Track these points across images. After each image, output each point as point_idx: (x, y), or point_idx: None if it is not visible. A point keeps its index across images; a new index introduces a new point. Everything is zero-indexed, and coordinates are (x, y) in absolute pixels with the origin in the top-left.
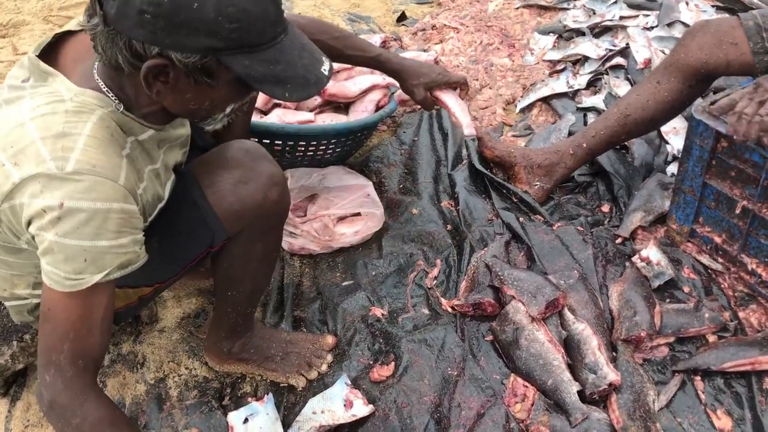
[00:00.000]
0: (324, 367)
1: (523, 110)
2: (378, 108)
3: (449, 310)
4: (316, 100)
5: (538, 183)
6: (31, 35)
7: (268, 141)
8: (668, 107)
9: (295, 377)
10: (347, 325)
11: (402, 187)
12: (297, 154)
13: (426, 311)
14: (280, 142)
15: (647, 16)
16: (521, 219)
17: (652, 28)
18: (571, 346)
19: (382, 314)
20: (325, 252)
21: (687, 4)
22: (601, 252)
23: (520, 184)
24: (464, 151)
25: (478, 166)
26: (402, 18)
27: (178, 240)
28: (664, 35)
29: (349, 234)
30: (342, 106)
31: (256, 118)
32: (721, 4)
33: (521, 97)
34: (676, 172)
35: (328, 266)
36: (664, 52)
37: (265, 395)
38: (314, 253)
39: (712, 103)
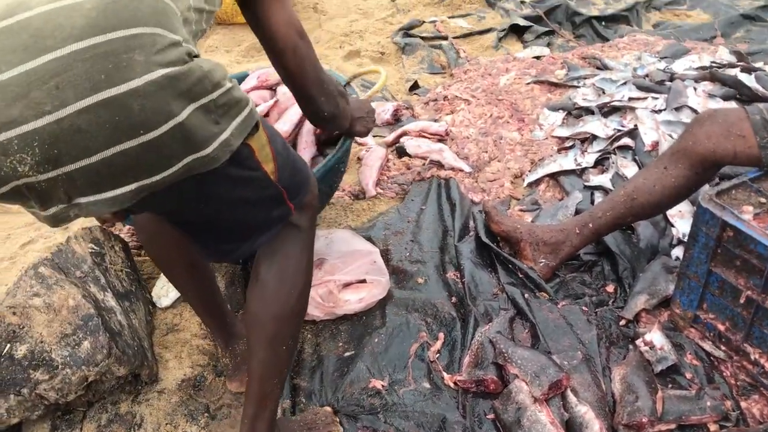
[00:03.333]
0: None
1: (530, 185)
2: (318, 137)
3: (451, 385)
4: None
5: (543, 260)
6: None
7: None
8: (675, 192)
9: None
10: (346, 397)
11: (408, 255)
12: None
13: (427, 385)
14: None
15: (656, 99)
16: (526, 295)
17: (661, 111)
18: (573, 429)
19: (382, 386)
20: (328, 318)
21: (695, 89)
22: (605, 333)
23: (525, 261)
24: (471, 223)
25: (485, 239)
26: (414, 87)
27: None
28: (672, 119)
29: (353, 301)
30: None
31: None
32: (729, 92)
33: (529, 171)
34: (681, 256)
35: (331, 334)
36: (671, 136)
37: None
38: (317, 319)
39: (719, 193)
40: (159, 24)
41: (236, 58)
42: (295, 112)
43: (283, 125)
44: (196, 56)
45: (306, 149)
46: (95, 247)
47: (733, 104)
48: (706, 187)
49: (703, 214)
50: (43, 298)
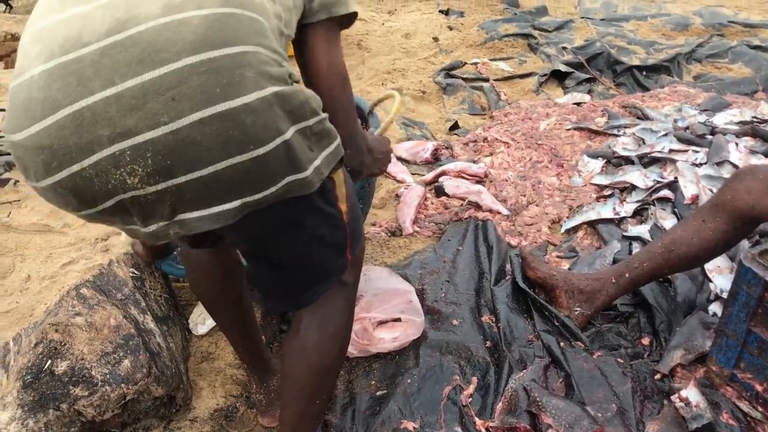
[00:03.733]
0: None
1: (568, 231)
2: None
3: (483, 431)
4: None
5: (578, 308)
6: None
7: None
8: (713, 246)
9: None
10: None
11: (443, 296)
12: None
13: (459, 429)
14: None
15: (697, 152)
16: (562, 344)
17: (701, 164)
18: None
19: (414, 428)
20: (362, 355)
21: (737, 145)
22: (639, 386)
23: (560, 308)
24: (508, 266)
25: (522, 285)
26: (454, 127)
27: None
28: (712, 174)
29: (387, 340)
30: None
31: None
32: None
33: (567, 217)
34: (718, 312)
35: (364, 371)
36: (712, 191)
37: None
38: (351, 355)
39: (762, 252)
40: (260, 44)
41: None
42: None
43: None
44: (296, 81)
45: None
46: (136, 272)
47: None
48: (745, 242)
49: (745, 273)
50: (85, 317)
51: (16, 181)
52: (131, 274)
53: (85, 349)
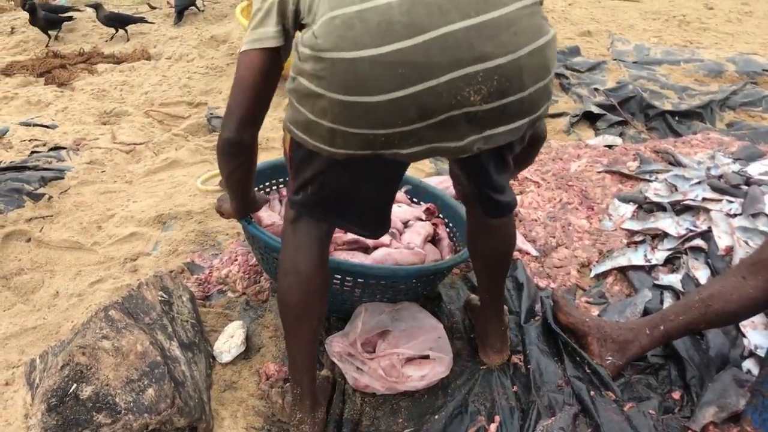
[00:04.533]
0: None
1: (597, 276)
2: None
3: None
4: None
5: (610, 358)
6: (131, 126)
7: (339, 277)
8: (752, 304)
9: None
10: None
11: (471, 335)
12: (358, 290)
13: None
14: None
15: (731, 202)
16: (592, 392)
17: (736, 215)
18: None
19: None
20: (390, 393)
21: None
22: None
23: (592, 356)
24: (537, 306)
25: (554, 327)
26: None
27: None
28: (748, 225)
29: (415, 377)
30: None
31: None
32: None
33: (597, 262)
34: (752, 369)
35: (391, 409)
36: (747, 243)
37: None
38: (378, 392)
39: None
40: None
41: None
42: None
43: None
44: None
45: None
46: (164, 296)
47: None
48: None
49: None
50: (112, 341)
51: (50, 197)
52: (159, 298)
53: (111, 374)
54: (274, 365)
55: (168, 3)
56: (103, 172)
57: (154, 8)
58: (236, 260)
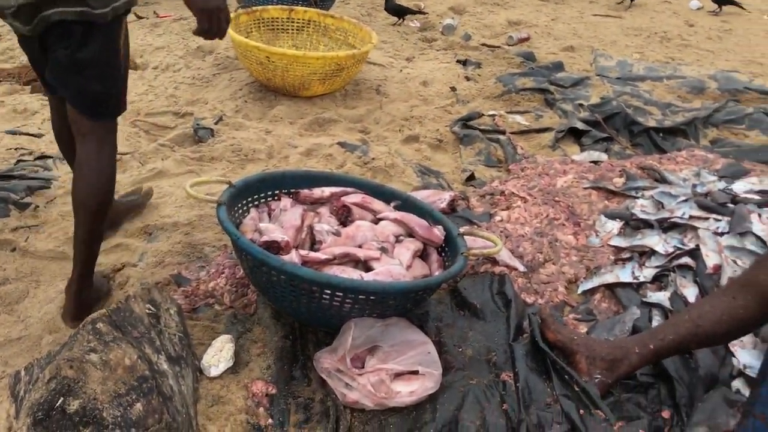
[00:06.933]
0: None
1: (585, 293)
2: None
3: None
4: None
5: (599, 376)
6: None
7: (329, 292)
8: (742, 325)
9: None
10: None
11: (460, 350)
12: (347, 305)
13: None
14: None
15: (718, 220)
16: (581, 411)
17: (723, 233)
18: None
19: None
20: (378, 409)
21: (759, 216)
22: None
23: (580, 374)
24: (525, 323)
25: (542, 345)
26: (471, 178)
27: None
28: (735, 244)
29: (404, 393)
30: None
31: None
32: None
33: (584, 278)
34: (741, 389)
35: (380, 425)
36: (735, 262)
37: None
38: (367, 408)
39: None
40: None
41: (299, 131)
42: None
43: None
44: None
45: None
46: (152, 308)
47: None
48: None
49: None
50: (100, 355)
51: (36, 206)
52: (147, 311)
53: (98, 388)
54: (262, 383)
55: (155, 13)
56: None
57: (141, 18)
58: (223, 273)
